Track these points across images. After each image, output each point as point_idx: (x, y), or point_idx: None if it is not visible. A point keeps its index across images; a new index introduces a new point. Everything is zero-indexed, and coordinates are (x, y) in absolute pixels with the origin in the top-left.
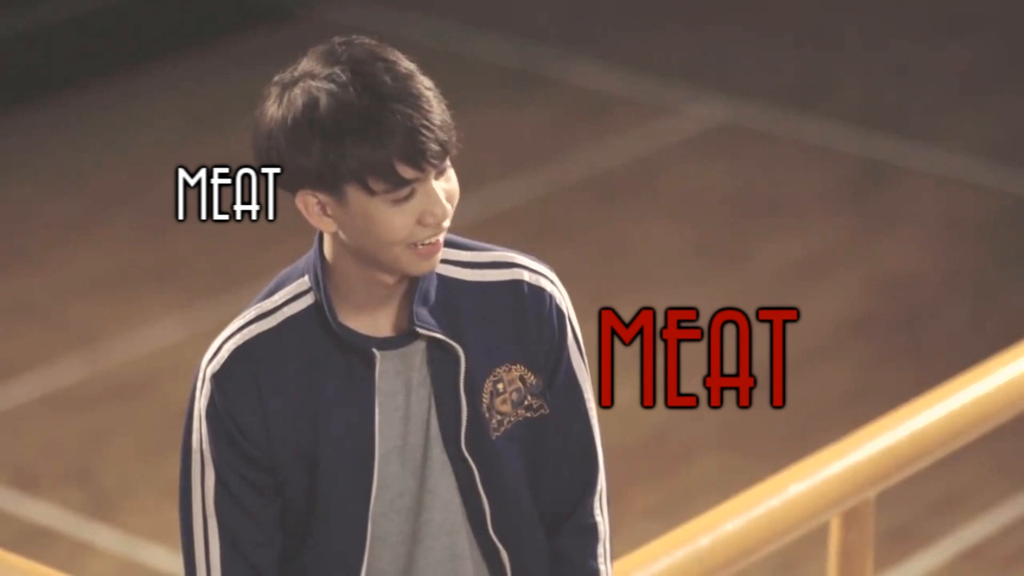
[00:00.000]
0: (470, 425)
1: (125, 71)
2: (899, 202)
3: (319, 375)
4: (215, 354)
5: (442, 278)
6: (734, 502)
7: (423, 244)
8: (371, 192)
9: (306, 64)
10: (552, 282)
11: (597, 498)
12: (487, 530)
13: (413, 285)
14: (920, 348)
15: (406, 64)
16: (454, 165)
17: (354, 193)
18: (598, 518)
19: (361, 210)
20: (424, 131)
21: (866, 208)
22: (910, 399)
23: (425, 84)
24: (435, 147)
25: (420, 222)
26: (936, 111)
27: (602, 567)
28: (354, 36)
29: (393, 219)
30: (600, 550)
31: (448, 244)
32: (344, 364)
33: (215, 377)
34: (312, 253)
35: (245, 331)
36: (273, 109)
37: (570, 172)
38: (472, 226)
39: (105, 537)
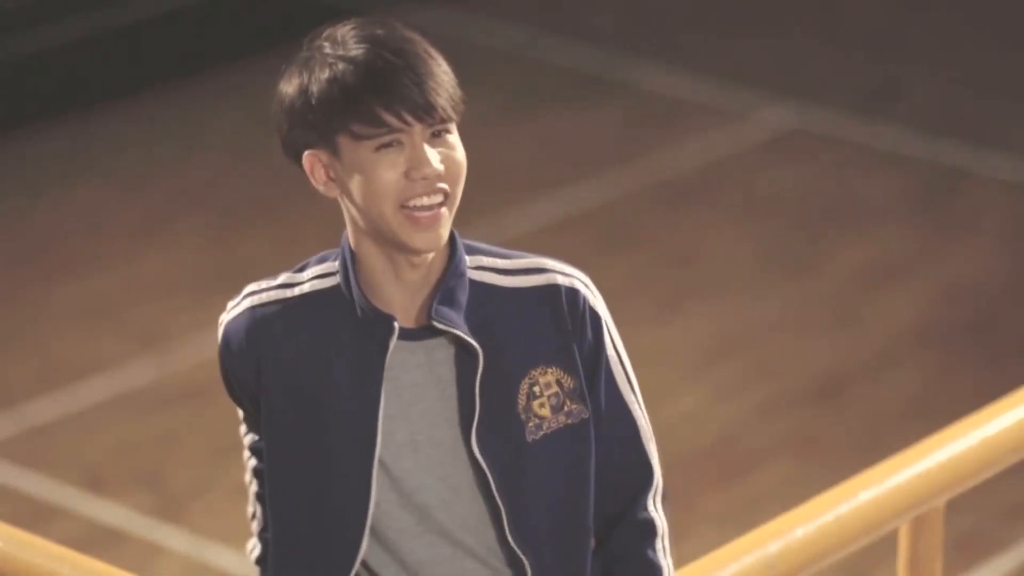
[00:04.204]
0: (492, 426)
1: (196, 74)
2: (969, 208)
3: (329, 355)
4: (236, 304)
5: (480, 284)
6: (803, 508)
7: (417, 209)
8: (356, 137)
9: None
10: (585, 285)
11: (652, 495)
12: (504, 533)
13: (439, 283)
14: (990, 355)
15: (415, 34)
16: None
17: (344, 142)
18: (653, 513)
19: (353, 161)
20: (407, 80)
21: (936, 214)
22: (980, 406)
23: (426, 49)
24: (416, 98)
25: (407, 177)
26: (1007, 117)
27: (662, 561)
28: (391, 20)
29: (381, 170)
30: (659, 544)
31: (483, 252)
32: (357, 347)
33: (225, 325)
34: (343, 243)
35: (266, 294)
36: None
37: (641, 176)
38: (543, 229)
39: (174, 538)
